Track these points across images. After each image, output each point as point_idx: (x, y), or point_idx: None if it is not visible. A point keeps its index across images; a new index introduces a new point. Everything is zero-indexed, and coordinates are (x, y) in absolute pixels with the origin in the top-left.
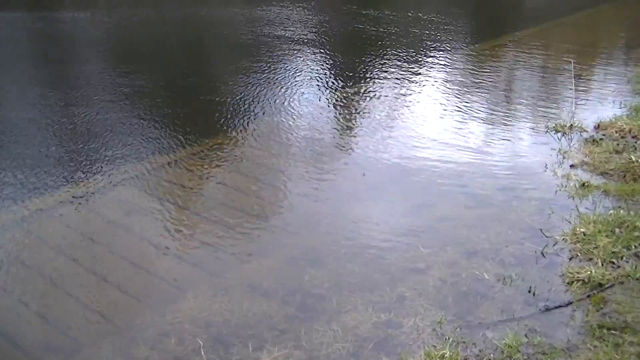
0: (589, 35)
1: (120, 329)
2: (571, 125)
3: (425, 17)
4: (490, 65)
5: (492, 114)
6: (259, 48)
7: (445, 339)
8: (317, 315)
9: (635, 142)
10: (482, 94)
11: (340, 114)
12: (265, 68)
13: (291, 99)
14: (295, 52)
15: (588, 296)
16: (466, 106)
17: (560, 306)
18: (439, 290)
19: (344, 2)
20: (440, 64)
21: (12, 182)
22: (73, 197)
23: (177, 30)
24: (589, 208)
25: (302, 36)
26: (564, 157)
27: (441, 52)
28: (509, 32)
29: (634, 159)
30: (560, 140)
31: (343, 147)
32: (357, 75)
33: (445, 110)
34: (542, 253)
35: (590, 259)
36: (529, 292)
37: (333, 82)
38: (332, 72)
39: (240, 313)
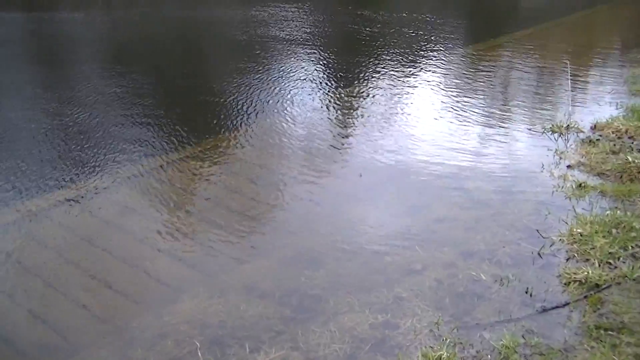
0: (585, 35)
1: (117, 331)
2: (568, 125)
3: (421, 17)
4: (487, 65)
5: (488, 114)
6: (254, 49)
7: (443, 340)
8: (314, 317)
9: (632, 143)
10: (479, 95)
11: (336, 114)
12: (261, 69)
13: (287, 100)
14: (291, 52)
15: (585, 297)
16: (462, 107)
17: (557, 307)
18: (436, 291)
19: (339, 2)
20: (436, 65)
21: (7, 183)
22: (69, 198)
23: (173, 31)
24: (585, 209)
25: (297, 37)
26: (560, 158)
27: (437, 53)
28: (505, 32)
29: (630, 159)
30: (557, 140)
31: (339, 147)
32: (352, 76)
33: (441, 111)
34: (539, 254)
35: (587, 260)
36: (526, 292)
37: (329, 83)
38: (328, 72)
39: (237, 314)
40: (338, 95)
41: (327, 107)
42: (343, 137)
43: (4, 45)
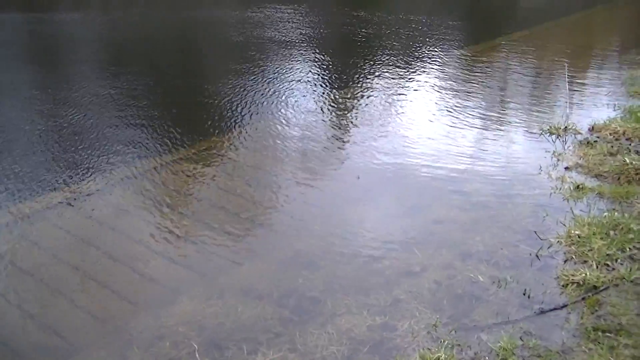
0: (583, 36)
1: (114, 332)
2: (565, 127)
3: (418, 19)
4: (484, 67)
5: (486, 116)
6: (250, 50)
7: (440, 342)
8: (312, 318)
9: (630, 145)
10: (476, 97)
11: (332, 116)
12: (256, 70)
13: (282, 102)
14: (287, 54)
15: (583, 299)
16: (459, 109)
17: (555, 309)
18: (434, 293)
19: (335, 4)
20: (433, 66)
21: (3, 185)
22: (64, 200)
23: (168, 32)
24: (583, 210)
25: (293, 38)
26: (558, 160)
27: (434, 55)
28: (502, 33)
29: (628, 161)
30: (554, 142)
31: (336, 149)
32: (349, 77)
33: (438, 112)
34: (536, 255)
35: (585, 262)
36: (524, 294)
37: (324, 85)
38: (324, 74)
39: (234, 316)
40: (334, 97)
41: (323, 109)
42: (339, 139)
43: (1, 45)
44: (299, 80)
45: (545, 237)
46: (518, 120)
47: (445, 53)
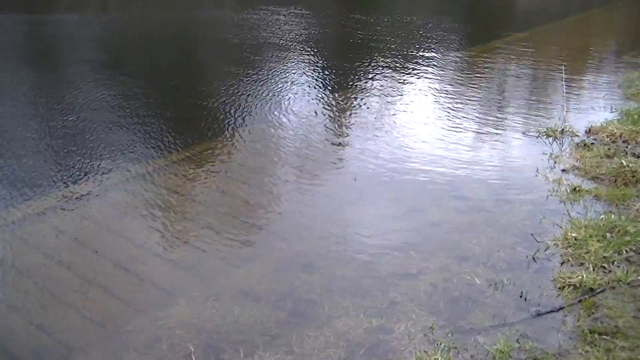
0: (580, 39)
1: (111, 334)
2: (562, 129)
3: (415, 21)
4: (481, 69)
5: (483, 118)
6: (247, 52)
7: (437, 345)
8: (309, 321)
9: (626, 147)
10: (473, 99)
11: (329, 119)
12: (253, 73)
13: (279, 104)
14: (283, 56)
15: (579, 301)
16: (456, 111)
17: (551, 311)
18: (431, 295)
19: (331, 6)
20: (431, 69)
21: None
22: (63, 201)
23: (164, 34)
24: (580, 213)
25: (289, 40)
26: (555, 162)
27: (431, 57)
28: (499, 36)
29: (625, 163)
30: (551, 144)
31: (333, 151)
32: (345, 79)
33: (435, 115)
34: (533, 258)
35: (582, 264)
36: (521, 297)
37: (321, 87)
38: (320, 77)
39: (231, 318)
40: (331, 100)
41: (319, 112)
42: (336, 142)
43: None
44: (296, 83)
45: (541, 239)
46: (515, 123)
47: (442, 55)
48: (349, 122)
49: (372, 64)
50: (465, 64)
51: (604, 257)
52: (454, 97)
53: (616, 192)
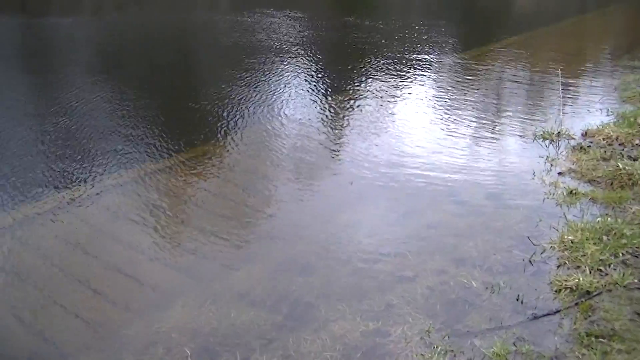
0: (576, 42)
1: (107, 338)
2: (559, 132)
3: (410, 24)
4: (477, 73)
5: (479, 121)
6: (241, 55)
7: (434, 348)
8: (305, 324)
9: (623, 150)
10: (469, 102)
11: (325, 122)
12: (248, 76)
13: (275, 108)
14: (278, 59)
15: (576, 304)
16: (453, 114)
17: (548, 314)
18: (427, 298)
19: (326, 9)
20: (426, 72)
21: None
22: (59, 205)
23: (159, 37)
24: (576, 215)
25: (284, 44)
26: (551, 165)
27: (427, 60)
28: (495, 39)
29: (621, 166)
30: (548, 147)
31: (329, 155)
32: (341, 83)
33: (431, 118)
34: (530, 261)
35: (578, 267)
36: (517, 300)
37: (316, 91)
38: (316, 80)
39: (228, 322)
40: (326, 103)
41: (314, 115)
42: (332, 145)
43: None
44: (290, 86)
45: (538, 242)
46: (511, 126)
47: (437, 59)
48: (345, 125)
49: (367, 68)
50: (461, 67)
51: (601, 259)
52: (450, 100)
53: (612, 194)
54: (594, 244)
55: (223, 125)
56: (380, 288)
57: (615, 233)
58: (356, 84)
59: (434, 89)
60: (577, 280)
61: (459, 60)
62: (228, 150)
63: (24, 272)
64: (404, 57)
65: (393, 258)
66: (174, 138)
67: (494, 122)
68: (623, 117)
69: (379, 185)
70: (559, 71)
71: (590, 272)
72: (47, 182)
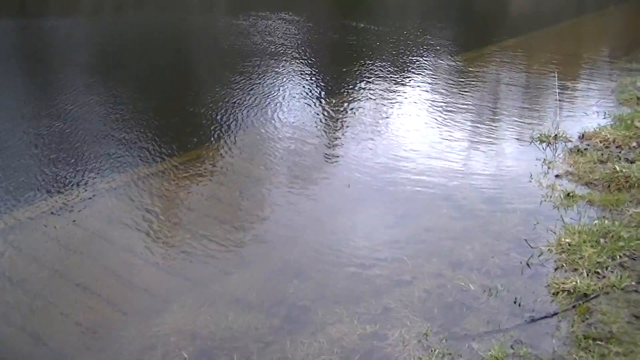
0: (572, 44)
1: (105, 342)
2: (556, 135)
3: (406, 27)
4: (474, 75)
5: (476, 124)
6: (236, 58)
7: (431, 351)
8: (303, 327)
9: (620, 152)
10: (466, 105)
11: (322, 125)
12: (244, 79)
13: (270, 111)
14: (273, 63)
15: (573, 307)
16: (450, 117)
17: (545, 317)
18: (425, 301)
19: (322, 12)
20: (423, 75)
21: None
22: (54, 209)
23: (154, 40)
24: (573, 218)
25: (279, 47)
26: (548, 168)
27: (424, 63)
28: (492, 41)
29: (618, 168)
30: (544, 150)
31: (327, 159)
32: (337, 86)
33: (428, 121)
34: (527, 264)
35: (576, 270)
36: (515, 302)
37: (313, 95)
38: (312, 84)
39: (225, 325)
40: (322, 107)
41: (310, 119)
42: (328, 149)
43: None
44: (286, 89)
45: (535, 245)
46: (509, 128)
47: (434, 62)
48: (339, 129)
49: (363, 71)
50: (458, 70)
51: (598, 262)
52: (446, 103)
53: (610, 197)
54: (591, 246)
55: (217, 129)
56: (378, 291)
57: (612, 235)
58: (351, 87)
59: (430, 91)
60: (574, 282)
61: (457, 63)
62: (222, 154)
63: (19, 276)
64: (401, 60)
65: (390, 261)
66: (168, 141)
67: (491, 125)
68: (620, 120)
69: (375, 189)
70: (556, 73)
71: (587, 275)
72: (41, 185)
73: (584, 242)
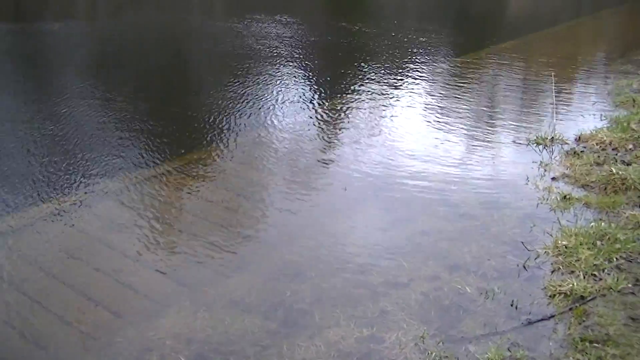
0: (569, 47)
1: (101, 345)
2: (552, 137)
3: (405, 30)
4: (471, 77)
5: (472, 127)
6: (232, 61)
7: (428, 354)
8: (300, 331)
9: (616, 154)
10: (462, 107)
11: (319, 128)
12: (240, 82)
13: (270, 114)
14: (269, 66)
15: (570, 309)
16: (446, 119)
17: (542, 319)
18: (421, 304)
19: (317, 15)
20: (421, 78)
21: None
22: (52, 212)
23: (149, 44)
24: (570, 221)
25: (274, 49)
26: (545, 170)
27: (422, 66)
28: (489, 44)
29: (614, 171)
30: (541, 152)
31: (323, 162)
32: (334, 89)
33: (425, 124)
34: (524, 266)
35: (572, 272)
36: (512, 305)
37: (309, 97)
38: (309, 86)
39: (222, 329)
40: (320, 109)
41: (307, 122)
42: (325, 152)
43: None
44: (281, 93)
45: (532, 247)
46: (505, 131)
47: (430, 64)
48: (336, 132)
49: (358, 73)
50: (454, 72)
51: (595, 264)
52: (443, 106)
53: (606, 199)
54: (588, 248)
55: (213, 132)
56: (374, 294)
57: (609, 238)
58: (346, 90)
59: (427, 94)
60: (571, 285)
61: (453, 65)
62: (218, 157)
63: (17, 280)
64: (397, 62)
65: (387, 264)
66: (166, 145)
67: (488, 127)
68: (616, 122)
69: (373, 191)
70: (552, 76)
71: (584, 277)
72: (39, 189)
73: (580, 244)
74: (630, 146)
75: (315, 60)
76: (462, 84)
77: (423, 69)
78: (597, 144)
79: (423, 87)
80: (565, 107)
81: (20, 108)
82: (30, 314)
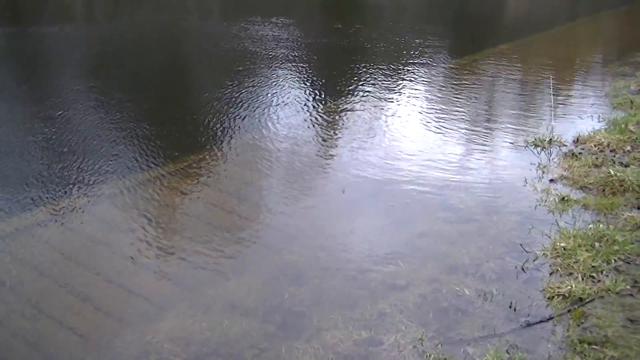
0: (567, 49)
1: (100, 349)
2: (550, 139)
3: (403, 32)
4: (469, 80)
5: (471, 129)
6: (230, 63)
7: (426, 356)
8: (298, 334)
9: (614, 156)
10: (461, 109)
11: (318, 131)
12: (241, 84)
13: (268, 116)
14: (266, 68)
15: (569, 311)
16: (445, 122)
17: (541, 321)
18: (420, 306)
19: (314, 17)
20: (419, 80)
21: None
22: (51, 215)
23: (147, 46)
24: (568, 222)
25: (271, 51)
26: (543, 172)
27: (419, 68)
28: (487, 46)
29: (612, 172)
30: (539, 154)
31: (322, 164)
32: (332, 91)
33: (424, 126)
34: (522, 268)
35: (571, 274)
36: (510, 307)
37: (308, 99)
38: (307, 88)
39: (220, 332)
40: (318, 111)
41: (307, 123)
42: (324, 153)
43: None
44: (279, 95)
45: (530, 249)
46: (503, 133)
47: (428, 66)
48: (335, 134)
49: (355, 76)
50: (453, 74)
51: (593, 266)
52: (441, 108)
53: (604, 201)
54: (586, 250)
55: (211, 135)
56: (373, 297)
57: (607, 240)
58: (343, 92)
59: (425, 96)
60: (569, 287)
61: (451, 67)
62: (220, 160)
63: (16, 283)
64: (394, 65)
65: (385, 266)
66: (165, 147)
67: (486, 129)
68: (614, 124)
69: (371, 194)
70: (550, 78)
71: (582, 279)
72: (38, 192)
73: (578, 246)
74: (628, 148)
75: (312, 63)
76: (459, 86)
77: (420, 71)
78: (595, 146)
79: (420, 89)
80: (563, 109)
81: (17, 111)
82: (28, 316)
